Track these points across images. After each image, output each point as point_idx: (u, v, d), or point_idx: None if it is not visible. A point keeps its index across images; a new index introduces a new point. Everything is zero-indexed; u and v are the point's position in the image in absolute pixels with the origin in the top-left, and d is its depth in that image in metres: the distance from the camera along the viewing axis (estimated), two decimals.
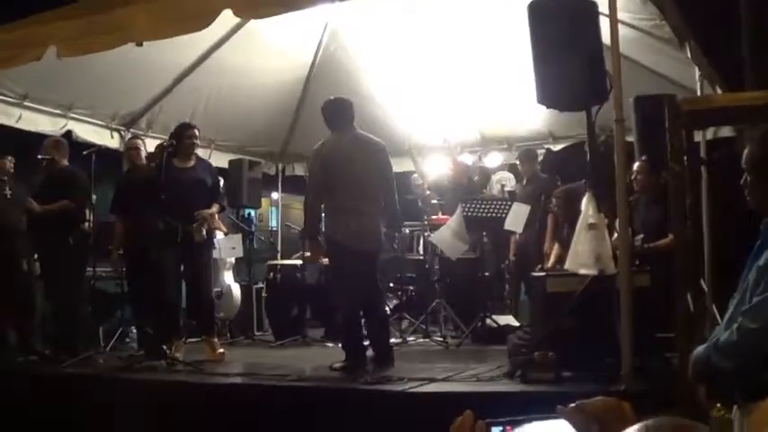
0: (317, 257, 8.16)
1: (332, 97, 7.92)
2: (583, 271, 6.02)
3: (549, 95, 6.29)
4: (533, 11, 6.25)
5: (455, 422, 1.48)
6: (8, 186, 9.11)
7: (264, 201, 14.50)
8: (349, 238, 7.33)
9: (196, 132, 8.55)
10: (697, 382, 3.60)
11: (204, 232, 8.29)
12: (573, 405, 1.43)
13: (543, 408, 4.76)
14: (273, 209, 16.48)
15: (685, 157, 5.51)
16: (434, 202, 10.56)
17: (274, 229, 16.52)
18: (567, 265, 6.21)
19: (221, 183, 9.55)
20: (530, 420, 1.46)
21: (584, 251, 6.01)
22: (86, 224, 8.97)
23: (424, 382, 6.30)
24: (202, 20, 6.74)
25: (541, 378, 5.87)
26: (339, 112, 7.68)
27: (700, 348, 3.59)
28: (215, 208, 8.51)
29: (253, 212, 13.16)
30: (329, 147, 7.53)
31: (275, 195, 15.58)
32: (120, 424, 6.81)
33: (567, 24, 6.09)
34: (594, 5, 6.17)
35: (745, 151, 3.58)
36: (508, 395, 5.66)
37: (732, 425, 3.31)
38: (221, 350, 8.37)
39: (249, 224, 12.03)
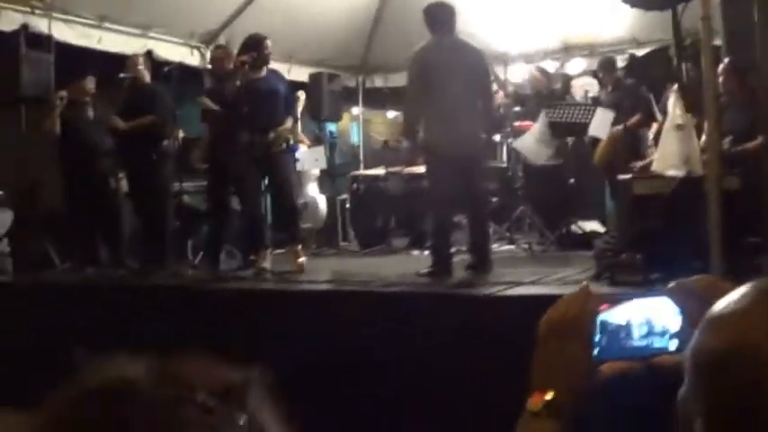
0: (416, 161, 8.08)
1: (432, 1, 7.67)
2: (670, 172, 5.94)
3: None
4: None
5: (569, 295, 1.47)
6: (90, 107, 9.20)
7: (345, 116, 14.48)
8: (448, 144, 7.22)
9: (269, 43, 8.51)
10: None
11: (283, 143, 8.25)
12: (678, 282, 1.42)
13: None
14: (354, 124, 16.44)
15: None
16: (516, 109, 10.45)
17: (356, 144, 16.53)
18: (655, 167, 6.14)
19: (300, 95, 9.58)
20: (631, 298, 1.45)
21: (672, 152, 5.93)
22: (171, 140, 9.04)
23: (510, 285, 6.31)
24: None
25: (629, 280, 5.82)
26: (441, 15, 7.49)
27: None
28: (289, 122, 8.48)
29: (334, 128, 13.12)
30: (428, 51, 7.41)
31: (356, 110, 15.54)
32: (207, 333, 6.97)
33: None
34: None
35: None
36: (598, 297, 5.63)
37: None
38: (302, 260, 8.32)
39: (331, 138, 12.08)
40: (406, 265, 8.14)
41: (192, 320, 7.17)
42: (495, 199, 10.15)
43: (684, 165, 5.85)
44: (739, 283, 1.68)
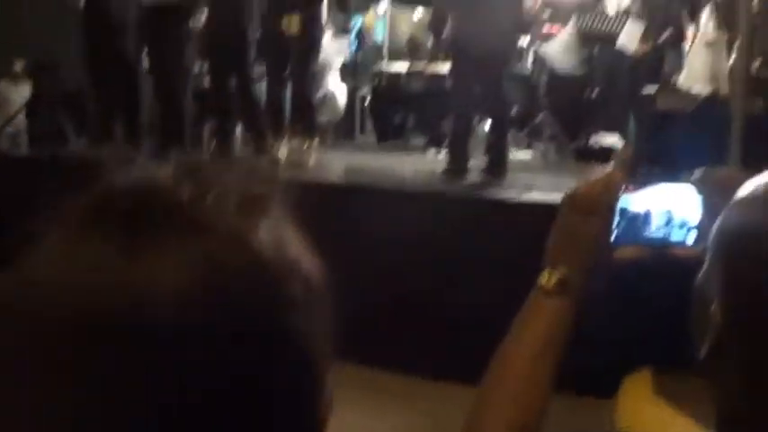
0: (439, 56, 7.94)
1: None
2: (696, 88, 5.86)
3: None
4: None
5: (596, 173, 1.44)
6: None
7: (370, 14, 14.30)
8: (474, 42, 7.07)
9: None
10: None
11: (298, 25, 7.89)
12: (702, 172, 1.39)
13: None
14: (380, 22, 16.25)
15: None
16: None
17: (380, 41, 16.34)
18: (681, 81, 6.05)
19: None
20: (656, 183, 1.42)
21: (700, 68, 5.85)
22: (193, 20, 8.86)
23: (527, 190, 6.30)
24: None
25: None
26: None
27: None
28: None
29: (360, 23, 12.98)
30: None
31: (382, 8, 15.36)
32: None
33: None
34: None
35: None
36: None
37: None
38: (307, 156, 8.13)
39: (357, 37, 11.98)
40: (422, 164, 8.11)
41: None
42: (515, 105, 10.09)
43: (711, 82, 5.78)
44: None
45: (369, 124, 11.11)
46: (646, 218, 1.40)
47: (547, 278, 1.32)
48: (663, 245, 1.39)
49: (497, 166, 7.30)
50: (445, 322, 5.59)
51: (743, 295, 0.99)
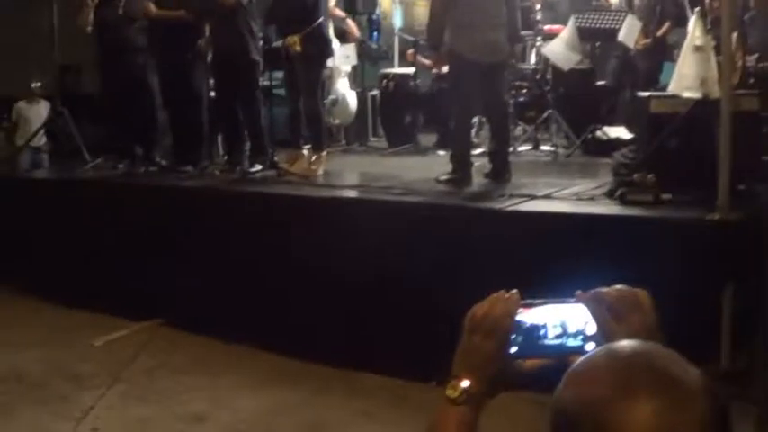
0: (439, 66, 8.05)
1: None
2: (687, 94, 5.95)
3: None
4: None
5: (493, 296, 1.60)
6: (121, 4, 9.20)
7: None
8: (474, 50, 7.23)
9: None
10: None
11: (299, 44, 8.11)
12: (591, 291, 1.53)
13: (641, 229, 4.85)
14: (398, 7, 16.31)
15: None
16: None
17: (399, 27, 16.38)
18: (671, 88, 6.14)
19: None
20: (545, 303, 1.57)
21: (689, 74, 5.94)
22: (204, 40, 8.99)
23: (524, 199, 6.42)
24: None
25: (640, 200, 5.90)
26: None
27: None
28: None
29: (378, 11, 13.01)
30: None
31: None
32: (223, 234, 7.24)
33: None
34: None
35: None
36: (603, 218, 5.74)
37: None
38: (314, 167, 8.32)
39: (374, 25, 12.04)
40: (431, 167, 8.22)
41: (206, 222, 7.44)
42: (522, 99, 10.16)
43: (700, 87, 5.86)
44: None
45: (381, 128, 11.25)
46: (542, 329, 1.55)
47: (452, 390, 1.51)
48: (560, 353, 1.54)
49: (500, 170, 7.44)
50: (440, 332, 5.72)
51: None
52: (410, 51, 11.77)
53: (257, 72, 8.62)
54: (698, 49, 5.89)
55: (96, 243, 7.93)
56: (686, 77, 5.95)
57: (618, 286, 1.55)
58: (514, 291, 1.59)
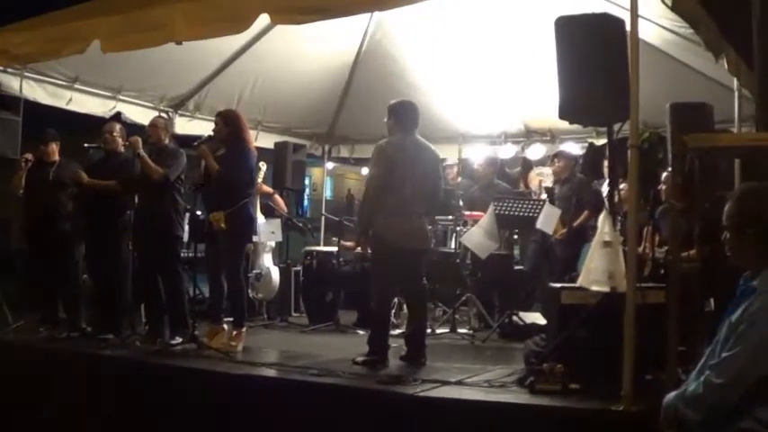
0: (365, 251, 8.21)
1: (402, 99, 8.00)
2: (595, 288, 6.15)
3: (571, 111, 6.40)
4: (560, 27, 6.34)
5: None
6: (52, 170, 9.36)
7: (318, 170, 14.77)
8: (401, 237, 7.54)
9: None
10: (667, 429, 3.74)
11: (222, 221, 8.27)
12: None
13: (547, 418, 4.92)
14: (328, 178, 16.68)
15: None
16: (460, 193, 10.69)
17: (329, 198, 16.70)
18: (580, 282, 6.34)
19: (262, 167, 9.82)
20: None
21: (598, 268, 6.14)
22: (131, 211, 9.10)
23: (436, 385, 6.49)
24: (239, 24, 6.97)
25: (548, 389, 6.01)
26: (409, 114, 7.82)
27: (670, 395, 3.75)
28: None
29: (307, 181, 13.34)
30: (394, 147, 7.67)
31: (330, 165, 15.81)
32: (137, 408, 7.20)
33: (591, 42, 6.18)
34: (621, 24, 6.23)
35: (725, 208, 3.72)
36: (512, 407, 5.83)
37: None
38: (233, 343, 8.35)
39: (302, 199, 12.28)
40: (350, 346, 8.31)
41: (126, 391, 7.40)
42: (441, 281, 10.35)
43: (608, 281, 6.06)
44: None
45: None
46: None
47: None
48: None
49: (416, 355, 7.59)
50: None
51: None
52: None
53: (179, 246, 8.80)
54: (606, 244, 6.12)
55: (8, 408, 7.85)
56: (594, 271, 6.16)
57: None
58: None
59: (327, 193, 16.30)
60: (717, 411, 3.49)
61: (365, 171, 21.21)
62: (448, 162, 11.86)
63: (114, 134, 9.12)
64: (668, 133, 7.64)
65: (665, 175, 8.04)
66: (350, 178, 20.84)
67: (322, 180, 19.13)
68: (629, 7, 5.91)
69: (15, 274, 10.37)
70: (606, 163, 7.79)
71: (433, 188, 7.87)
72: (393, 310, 8.89)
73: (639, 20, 5.96)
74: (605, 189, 8.19)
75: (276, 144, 12.20)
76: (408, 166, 7.58)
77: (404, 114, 7.82)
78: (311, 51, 11.21)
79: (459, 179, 12.09)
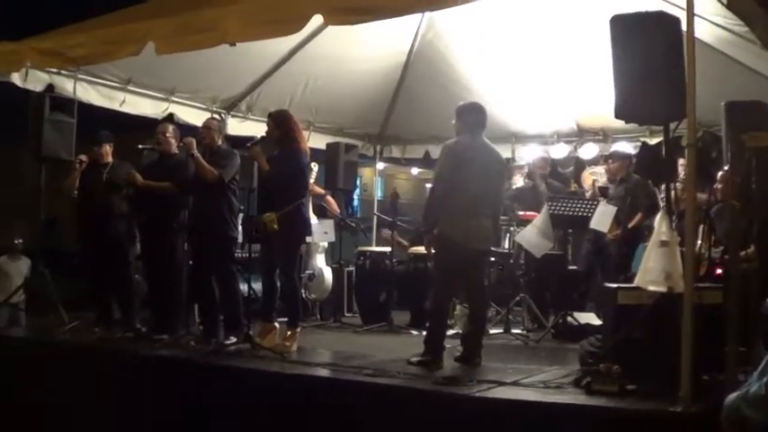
0: (429, 250, 8.19)
1: (469, 101, 8.13)
2: (651, 288, 6.08)
3: (628, 110, 6.36)
4: (615, 25, 6.30)
5: None
6: (106, 171, 9.46)
7: (369, 170, 14.77)
8: (467, 237, 7.56)
9: None
10: (729, 430, 3.71)
11: (275, 222, 8.27)
12: None
13: (605, 419, 4.88)
14: (379, 178, 16.68)
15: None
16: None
17: (379, 198, 16.70)
18: (637, 282, 6.27)
19: (314, 167, 9.87)
20: None
21: (654, 268, 6.07)
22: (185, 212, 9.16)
23: (492, 385, 6.47)
24: (293, 25, 7.01)
25: (605, 390, 5.97)
26: (476, 116, 7.88)
27: (732, 396, 3.71)
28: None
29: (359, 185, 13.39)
30: (463, 147, 7.70)
31: (380, 165, 15.85)
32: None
33: (647, 40, 6.13)
34: (677, 22, 6.18)
35: None
36: (569, 408, 5.79)
37: None
38: (287, 343, 8.38)
39: (354, 200, 12.30)
40: (403, 347, 8.30)
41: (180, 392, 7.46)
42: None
43: (665, 281, 5.99)
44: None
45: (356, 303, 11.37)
46: None
47: None
48: None
49: (472, 355, 7.61)
50: None
51: None
52: (386, 232, 12.03)
53: (233, 248, 8.82)
54: (663, 243, 6.05)
55: (65, 407, 7.92)
56: (651, 271, 6.09)
57: None
58: None
59: (378, 194, 16.27)
60: None
61: (415, 171, 21.33)
62: (516, 163, 11.87)
63: (167, 135, 9.15)
64: (723, 132, 7.56)
65: (720, 174, 7.94)
66: (400, 179, 20.81)
67: (372, 180, 19.10)
68: (684, 6, 5.87)
69: (70, 274, 10.46)
70: (681, 161, 7.65)
71: (498, 189, 7.95)
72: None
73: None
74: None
75: (328, 145, 12.22)
76: (475, 167, 7.60)
77: (471, 116, 7.87)
78: (363, 52, 11.22)
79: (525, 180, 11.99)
